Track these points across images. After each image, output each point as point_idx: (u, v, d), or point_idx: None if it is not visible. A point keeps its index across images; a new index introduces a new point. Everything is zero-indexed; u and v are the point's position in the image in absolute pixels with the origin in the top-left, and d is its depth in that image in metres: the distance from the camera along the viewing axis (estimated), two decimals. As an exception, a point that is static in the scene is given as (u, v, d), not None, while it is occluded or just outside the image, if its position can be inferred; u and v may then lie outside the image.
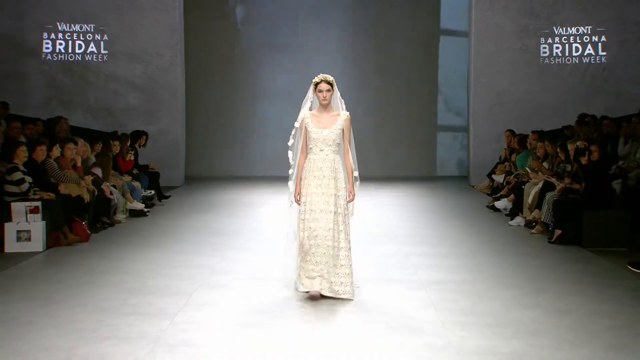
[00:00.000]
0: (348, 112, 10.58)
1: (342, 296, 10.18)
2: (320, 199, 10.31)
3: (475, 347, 8.47)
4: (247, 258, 13.15)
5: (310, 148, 10.52)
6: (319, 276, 10.21)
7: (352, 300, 10.15)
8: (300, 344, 8.46)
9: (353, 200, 10.60)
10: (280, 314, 9.56)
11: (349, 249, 10.40)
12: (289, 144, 10.74)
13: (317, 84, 10.44)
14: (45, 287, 11.18)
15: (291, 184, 10.70)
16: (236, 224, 16.77)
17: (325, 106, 10.48)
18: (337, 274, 10.24)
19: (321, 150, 10.44)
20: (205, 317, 9.62)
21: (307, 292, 10.29)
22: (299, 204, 10.51)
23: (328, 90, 10.38)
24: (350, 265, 10.37)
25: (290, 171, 10.72)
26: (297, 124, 10.63)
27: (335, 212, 10.31)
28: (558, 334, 8.93)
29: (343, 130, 10.51)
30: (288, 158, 10.76)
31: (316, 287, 10.22)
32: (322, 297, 10.20)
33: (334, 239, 10.24)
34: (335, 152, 10.51)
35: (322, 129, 10.43)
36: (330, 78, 10.44)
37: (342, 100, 10.73)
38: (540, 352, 8.30)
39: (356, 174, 10.63)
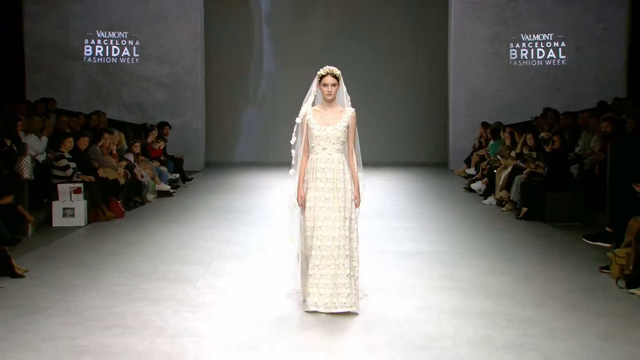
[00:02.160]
0: (354, 109, 8.55)
1: (348, 309, 8.15)
2: (324, 205, 8.30)
3: (453, 307, 8.51)
4: (259, 232, 13.17)
5: (312, 147, 8.46)
6: (325, 292, 8.18)
7: (357, 314, 8.16)
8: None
9: (359, 206, 8.57)
10: (287, 279, 9.57)
11: (358, 258, 8.46)
12: (292, 142, 8.68)
13: (322, 77, 8.39)
14: (87, 256, 11.24)
15: (293, 185, 8.67)
16: (249, 203, 16.77)
17: (329, 102, 8.41)
18: (344, 284, 8.17)
19: (324, 149, 8.39)
20: (223, 282, 9.67)
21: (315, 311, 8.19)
22: (303, 208, 8.47)
23: (334, 85, 8.34)
24: (358, 276, 8.41)
25: (292, 171, 8.73)
26: (298, 120, 8.57)
27: (342, 218, 8.30)
28: (524, 296, 8.97)
29: (348, 127, 8.45)
30: (291, 155, 8.75)
31: (322, 307, 8.14)
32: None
33: (340, 247, 8.22)
34: (340, 152, 8.43)
35: (326, 125, 8.36)
36: (337, 71, 8.41)
37: (348, 97, 8.65)
38: (508, 311, 8.34)
39: (361, 175, 8.66)
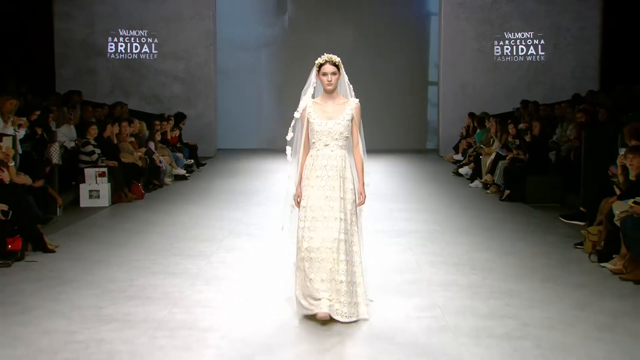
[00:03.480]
0: (358, 100, 7.22)
1: (352, 319, 6.93)
2: (325, 204, 6.99)
3: (442, 280, 8.54)
4: (266, 212, 13.16)
5: (313, 142, 7.15)
6: (326, 298, 6.89)
7: (367, 319, 7.03)
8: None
9: (364, 202, 7.29)
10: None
11: (360, 262, 7.15)
12: (288, 137, 7.33)
13: (320, 66, 7.07)
14: (111, 234, 11.28)
15: (292, 185, 7.37)
16: (257, 186, 16.75)
17: (330, 92, 7.08)
18: (347, 292, 6.92)
19: (326, 145, 7.08)
20: (233, 258, 9.70)
21: (312, 314, 6.97)
22: (298, 207, 7.21)
23: (334, 73, 7.01)
24: (362, 282, 7.12)
25: (290, 170, 7.46)
26: (297, 115, 7.23)
27: (342, 219, 7.01)
28: (506, 270, 9.00)
29: (352, 120, 7.16)
30: (286, 154, 7.46)
31: (324, 308, 6.86)
32: (332, 319, 6.92)
33: (340, 251, 6.92)
34: (343, 148, 7.13)
35: (327, 119, 7.06)
36: (336, 59, 7.08)
37: (351, 86, 7.26)
38: (492, 283, 8.38)
39: (367, 177, 7.37)
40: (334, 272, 6.90)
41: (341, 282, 6.91)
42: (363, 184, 7.24)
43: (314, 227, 6.98)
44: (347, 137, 7.14)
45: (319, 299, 6.89)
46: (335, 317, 6.89)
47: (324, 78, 7.06)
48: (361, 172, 7.24)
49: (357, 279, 7.04)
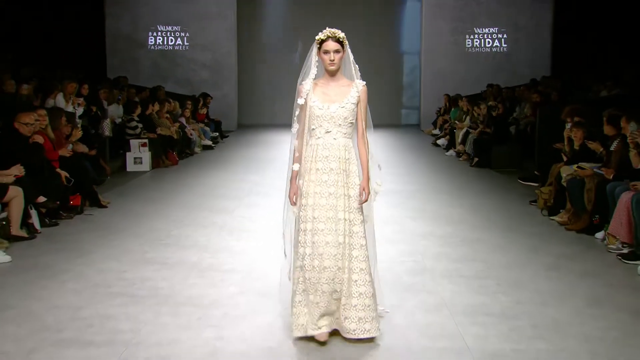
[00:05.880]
0: (364, 82, 5.10)
1: (360, 336, 4.93)
2: (327, 202, 4.97)
3: (422, 231, 8.59)
4: (282, 176, 13.13)
5: (313, 129, 5.05)
6: (326, 314, 4.96)
7: (375, 337, 5.01)
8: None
9: (367, 200, 5.13)
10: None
11: (369, 269, 5.04)
12: (293, 130, 5.18)
13: (322, 42, 4.96)
14: (152, 193, 11.35)
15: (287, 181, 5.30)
16: (273, 154, 16.65)
17: (332, 73, 5.01)
18: (354, 305, 4.94)
19: (327, 132, 5.01)
20: (253, 213, 9.75)
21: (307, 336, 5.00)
22: (293, 205, 5.14)
23: (337, 51, 4.93)
24: (373, 292, 5.02)
25: (296, 166, 5.20)
26: (300, 101, 5.06)
27: (347, 220, 4.99)
28: (474, 223, 9.05)
29: (358, 104, 5.04)
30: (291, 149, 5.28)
31: (323, 330, 4.97)
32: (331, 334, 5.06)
33: (345, 257, 4.94)
34: (347, 136, 5.05)
35: (329, 103, 4.99)
36: (340, 34, 4.96)
37: (357, 66, 5.14)
38: (462, 234, 8.43)
39: (376, 172, 5.35)
40: (337, 283, 4.94)
41: (347, 294, 4.98)
42: (368, 178, 5.17)
43: (315, 230, 4.98)
44: (352, 123, 5.06)
45: (317, 317, 4.98)
46: (343, 335, 5.05)
47: (326, 57, 4.98)
48: (366, 166, 5.17)
49: (366, 288, 5.01)
